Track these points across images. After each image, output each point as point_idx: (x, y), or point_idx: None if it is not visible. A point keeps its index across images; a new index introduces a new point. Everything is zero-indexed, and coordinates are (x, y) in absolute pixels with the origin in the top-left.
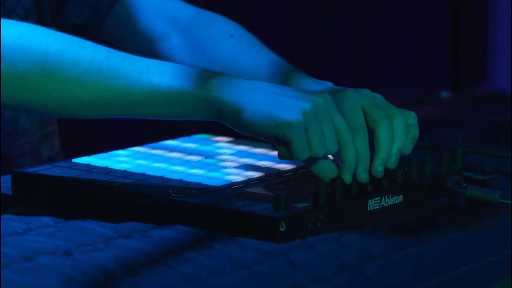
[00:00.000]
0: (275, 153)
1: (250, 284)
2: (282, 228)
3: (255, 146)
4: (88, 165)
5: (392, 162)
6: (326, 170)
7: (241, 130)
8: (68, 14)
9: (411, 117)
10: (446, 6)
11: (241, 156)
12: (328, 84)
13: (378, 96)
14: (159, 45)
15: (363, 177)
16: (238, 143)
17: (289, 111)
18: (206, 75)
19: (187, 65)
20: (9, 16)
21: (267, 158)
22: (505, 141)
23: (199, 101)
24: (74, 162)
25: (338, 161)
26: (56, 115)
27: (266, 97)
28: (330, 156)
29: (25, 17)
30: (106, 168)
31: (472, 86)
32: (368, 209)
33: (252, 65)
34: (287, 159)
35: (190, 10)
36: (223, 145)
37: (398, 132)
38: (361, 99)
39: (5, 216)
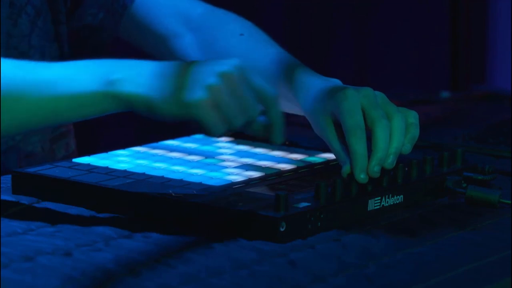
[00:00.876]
0: (276, 153)
1: (250, 284)
2: (282, 228)
3: (256, 146)
4: (88, 165)
5: (389, 162)
6: (255, 131)
7: (157, 118)
8: (84, 14)
9: (412, 116)
10: (445, 6)
11: (241, 156)
12: (335, 81)
13: (379, 95)
14: (172, 43)
15: (362, 177)
16: (238, 143)
17: (193, 90)
18: (110, 70)
19: (93, 62)
20: (19, 15)
21: (267, 158)
22: (505, 140)
23: (108, 99)
24: (74, 162)
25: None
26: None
27: (171, 80)
28: None
29: (36, 16)
30: (106, 168)
31: (471, 86)
32: (368, 209)
33: (260, 63)
34: (211, 136)
35: (202, 8)
36: (223, 145)
37: (396, 132)
38: (361, 98)
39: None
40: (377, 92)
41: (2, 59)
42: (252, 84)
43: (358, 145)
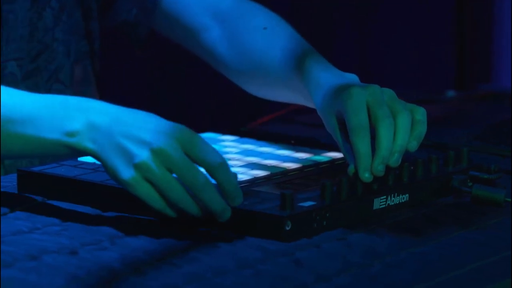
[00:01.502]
0: (282, 152)
1: (255, 283)
2: (288, 227)
3: (261, 145)
4: (94, 163)
5: (394, 160)
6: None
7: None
8: (119, 10)
9: (419, 113)
10: (450, 5)
11: (247, 155)
12: (351, 77)
13: (387, 92)
14: (201, 37)
15: (366, 176)
16: (244, 142)
17: (125, 167)
18: (71, 119)
19: (55, 107)
20: (43, 9)
21: (273, 157)
22: (505, 140)
23: (65, 146)
24: (79, 161)
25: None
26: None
27: (114, 146)
28: None
29: (60, 11)
30: None
31: (477, 85)
32: (374, 208)
33: (280, 58)
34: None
35: (229, 1)
36: (229, 144)
37: (401, 130)
38: (367, 96)
39: (10, 215)
40: (385, 89)
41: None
42: (194, 153)
43: (361, 144)
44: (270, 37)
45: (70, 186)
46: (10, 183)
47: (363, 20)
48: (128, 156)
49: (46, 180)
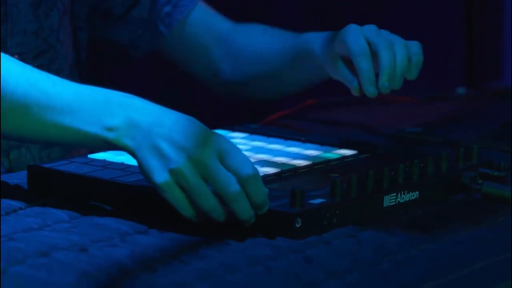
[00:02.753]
0: (292, 149)
1: (265, 280)
2: (298, 224)
3: (271, 142)
4: (104, 160)
5: (397, 81)
6: (240, 212)
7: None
8: (125, 27)
9: (414, 45)
10: (460, 2)
11: (257, 152)
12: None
13: (383, 30)
14: (207, 58)
15: (371, 90)
16: (254, 139)
17: (159, 171)
18: (111, 114)
19: (101, 96)
20: (51, 9)
21: (283, 154)
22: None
23: (102, 140)
24: (89, 158)
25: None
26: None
27: (151, 150)
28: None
29: (64, 13)
30: (122, 163)
31: (487, 83)
32: (384, 205)
33: (279, 49)
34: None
35: (229, 24)
36: (239, 141)
37: (400, 56)
38: (364, 30)
39: (20, 212)
40: (381, 29)
41: (21, 69)
42: (227, 162)
43: (364, 62)
44: (267, 38)
45: (80, 183)
46: (20, 179)
47: (372, 18)
48: (164, 160)
49: (57, 177)
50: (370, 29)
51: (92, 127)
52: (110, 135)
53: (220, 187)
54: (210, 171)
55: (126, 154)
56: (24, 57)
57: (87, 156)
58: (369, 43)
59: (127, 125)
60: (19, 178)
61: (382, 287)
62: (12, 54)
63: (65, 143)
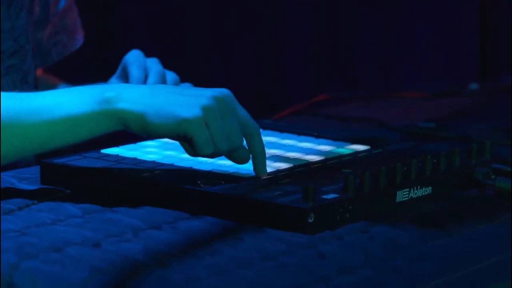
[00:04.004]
0: (304, 144)
1: (278, 275)
2: (311, 219)
3: (284, 138)
4: (117, 155)
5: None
6: (237, 159)
7: (147, 134)
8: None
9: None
10: None
11: (270, 147)
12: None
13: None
14: None
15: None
16: (266, 135)
17: (188, 108)
18: (104, 90)
19: (86, 86)
20: (21, 9)
21: (295, 149)
22: None
23: (103, 117)
24: (102, 153)
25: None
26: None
27: (165, 98)
28: None
29: (29, 13)
30: (135, 159)
31: (500, 77)
32: (397, 200)
33: None
34: (194, 156)
35: None
36: None
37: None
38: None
39: (34, 207)
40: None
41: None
42: (237, 113)
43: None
44: None
45: (93, 178)
46: (33, 174)
47: (386, 12)
48: (190, 101)
49: (69, 172)
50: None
51: (87, 107)
52: (109, 107)
53: (246, 121)
54: (237, 107)
55: (139, 149)
56: (3, 56)
57: (99, 151)
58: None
59: (124, 92)
60: (32, 173)
61: (394, 283)
62: None
63: (68, 139)
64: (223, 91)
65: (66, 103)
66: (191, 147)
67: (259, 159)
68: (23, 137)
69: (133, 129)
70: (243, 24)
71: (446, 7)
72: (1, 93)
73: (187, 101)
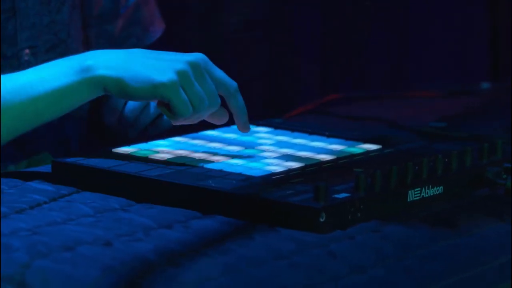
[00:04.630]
0: (316, 143)
1: (290, 274)
2: (322, 218)
3: (295, 137)
4: (128, 155)
5: None
6: (216, 118)
7: (127, 98)
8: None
9: None
10: None
11: (281, 147)
12: None
13: None
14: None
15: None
16: (278, 134)
17: (164, 73)
18: (82, 59)
19: (64, 59)
20: (62, 3)
21: (307, 149)
22: None
23: (84, 86)
24: (113, 152)
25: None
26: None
27: (141, 62)
28: None
29: (73, 8)
30: (146, 158)
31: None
32: (408, 200)
33: None
34: (174, 120)
35: None
36: (263, 136)
37: None
38: None
39: (45, 206)
40: None
41: None
42: (214, 74)
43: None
44: None
45: (104, 177)
46: (43, 174)
47: (395, 12)
48: (165, 66)
49: (81, 171)
50: None
51: (68, 78)
52: (87, 75)
53: (223, 81)
54: (212, 69)
55: (150, 148)
56: (35, 51)
57: (111, 150)
58: None
59: (101, 58)
60: (43, 172)
61: (405, 282)
62: (22, 48)
63: (55, 112)
64: (196, 55)
65: (48, 77)
66: (170, 111)
67: (241, 116)
68: (11, 117)
69: (113, 94)
70: (254, 23)
71: (457, 6)
72: None
73: (162, 65)
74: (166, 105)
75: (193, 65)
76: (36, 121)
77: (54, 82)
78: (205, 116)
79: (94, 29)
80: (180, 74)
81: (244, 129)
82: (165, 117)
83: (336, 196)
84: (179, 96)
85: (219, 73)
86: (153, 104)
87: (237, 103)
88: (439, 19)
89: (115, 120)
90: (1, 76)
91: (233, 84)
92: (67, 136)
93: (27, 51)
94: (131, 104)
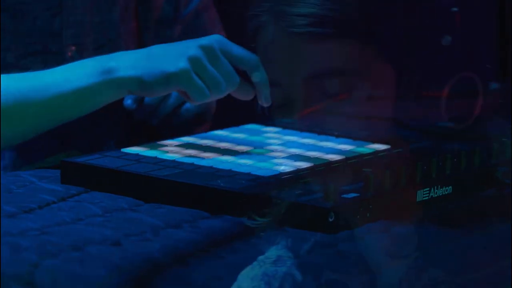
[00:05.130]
0: (325, 143)
1: (299, 273)
2: (331, 218)
3: (304, 137)
4: (137, 154)
5: None
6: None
7: (148, 95)
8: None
9: None
10: None
11: (290, 147)
12: None
13: None
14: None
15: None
16: (287, 134)
17: (175, 62)
18: (105, 60)
19: (88, 60)
20: (113, 4)
21: (316, 149)
22: None
23: (107, 87)
24: (123, 152)
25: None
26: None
27: (158, 57)
28: None
29: (124, 10)
30: (155, 158)
31: None
32: (417, 200)
33: None
34: (196, 103)
35: None
36: (272, 135)
37: None
38: None
39: (54, 206)
40: None
41: (3, 75)
42: (232, 53)
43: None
44: None
45: (113, 177)
46: (53, 174)
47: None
48: (177, 54)
49: (90, 171)
50: None
51: (92, 79)
52: (111, 76)
53: (243, 57)
54: (229, 48)
55: (159, 148)
56: (80, 48)
57: (120, 150)
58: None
59: (122, 59)
60: (52, 172)
61: (414, 282)
62: (67, 45)
63: (77, 111)
64: (210, 38)
65: (72, 77)
66: (189, 98)
67: (263, 89)
68: (35, 115)
69: (136, 93)
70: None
71: (465, 5)
72: (12, 74)
73: (174, 55)
74: (184, 93)
75: (206, 49)
76: (59, 119)
77: (77, 83)
78: (225, 94)
79: (151, 33)
80: (192, 60)
81: (266, 102)
82: (186, 106)
83: (345, 196)
84: (192, 83)
85: (238, 49)
86: (174, 94)
87: (259, 76)
88: (447, 19)
89: (136, 108)
90: (28, 73)
91: (253, 58)
92: (102, 133)
93: (72, 48)
94: None
